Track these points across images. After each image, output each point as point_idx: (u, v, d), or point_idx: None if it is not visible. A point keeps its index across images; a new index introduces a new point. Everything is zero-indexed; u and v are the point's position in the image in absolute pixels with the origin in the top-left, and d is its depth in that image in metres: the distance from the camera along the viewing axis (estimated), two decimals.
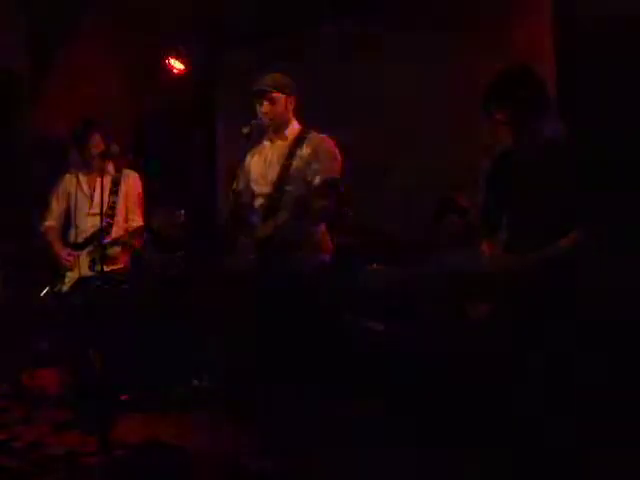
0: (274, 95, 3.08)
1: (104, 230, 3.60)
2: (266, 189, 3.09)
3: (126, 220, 3.89)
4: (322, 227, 3.17)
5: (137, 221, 3.90)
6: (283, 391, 3.01)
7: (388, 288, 3.15)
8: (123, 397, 4.16)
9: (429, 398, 3.22)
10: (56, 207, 4.03)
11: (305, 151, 3.03)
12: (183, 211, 3.52)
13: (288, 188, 3.01)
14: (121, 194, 3.89)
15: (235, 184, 3.16)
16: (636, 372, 2.68)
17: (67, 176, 4.11)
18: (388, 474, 2.87)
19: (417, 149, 4.55)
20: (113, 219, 3.82)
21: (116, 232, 3.83)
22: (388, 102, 4.79)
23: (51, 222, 4.02)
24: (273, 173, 3.09)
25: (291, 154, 3.04)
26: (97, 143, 3.82)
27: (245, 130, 2.99)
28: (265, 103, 3.07)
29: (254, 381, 3.13)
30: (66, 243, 3.91)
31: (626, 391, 2.58)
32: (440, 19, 4.69)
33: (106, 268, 3.65)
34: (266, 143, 3.22)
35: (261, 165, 3.17)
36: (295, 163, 3.02)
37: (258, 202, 3.12)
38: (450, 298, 3.19)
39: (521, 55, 4.05)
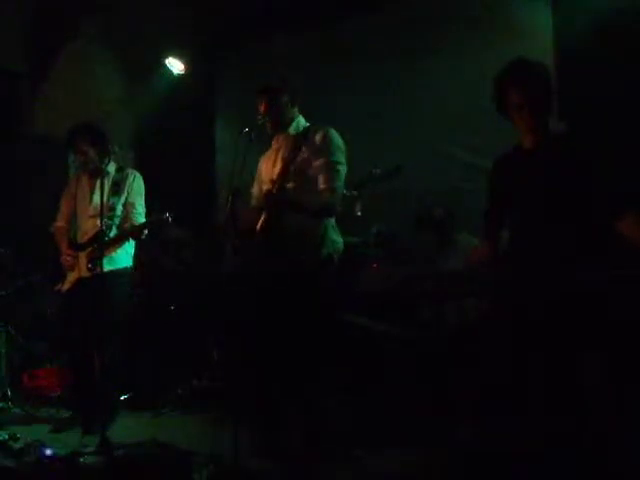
0: (275, 94, 3.07)
1: (103, 232, 3.59)
2: (269, 186, 3.09)
3: (127, 220, 3.87)
4: (328, 222, 3.08)
5: (141, 218, 3.88)
6: (283, 391, 3.01)
7: (388, 288, 3.15)
8: (123, 397, 4.17)
9: (428, 398, 3.22)
10: (64, 208, 4.03)
11: (309, 145, 2.99)
12: (170, 214, 3.54)
13: (289, 185, 3.00)
14: (122, 195, 3.87)
15: (236, 186, 3.15)
16: None
17: (74, 177, 4.12)
18: (387, 473, 2.88)
19: (418, 150, 4.54)
20: (113, 220, 3.81)
21: (115, 233, 3.81)
22: (388, 103, 4.79)
23: (60, 223, 4.02)
24: (277, 170, 3.09)
25: (295, 149, 3.00)
26: (84, 148, 3.78)
27: (245, 130, 2.98)
28: (266, 102, 3.07)
29: (255, 381, 3.13)
30: (71, 244, 3.91)
31: None
32: (437, 17, 4.70)
33: (105, 269, 3.65)
34: (273, 144, 3.21)
35: (269, 166, 3.17)
36: (298, 158, 2.98)
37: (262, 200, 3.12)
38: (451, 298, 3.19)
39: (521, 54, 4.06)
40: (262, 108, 3.08)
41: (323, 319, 3.02)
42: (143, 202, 3.94)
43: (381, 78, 4.85)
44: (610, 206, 2.24)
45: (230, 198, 3.00)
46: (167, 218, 3.55)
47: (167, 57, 5.51)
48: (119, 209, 3.85)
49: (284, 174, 3.00)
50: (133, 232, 3.73)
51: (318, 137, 3.00)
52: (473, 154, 4.27)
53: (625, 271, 2.07)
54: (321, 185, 2.95)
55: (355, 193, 3.24)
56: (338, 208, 3.02)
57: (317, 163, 2.96)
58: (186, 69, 5.56)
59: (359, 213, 3.37)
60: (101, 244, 3.51)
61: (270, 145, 3.25)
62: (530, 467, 2.22)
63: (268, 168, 3.17)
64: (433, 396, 3.23)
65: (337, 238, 3.07)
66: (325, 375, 3.07)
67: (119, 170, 3.94)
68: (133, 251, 3.96)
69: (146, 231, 3.73)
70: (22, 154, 5.47)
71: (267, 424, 3.09)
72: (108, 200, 3.79)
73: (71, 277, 3.81)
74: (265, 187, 3.14)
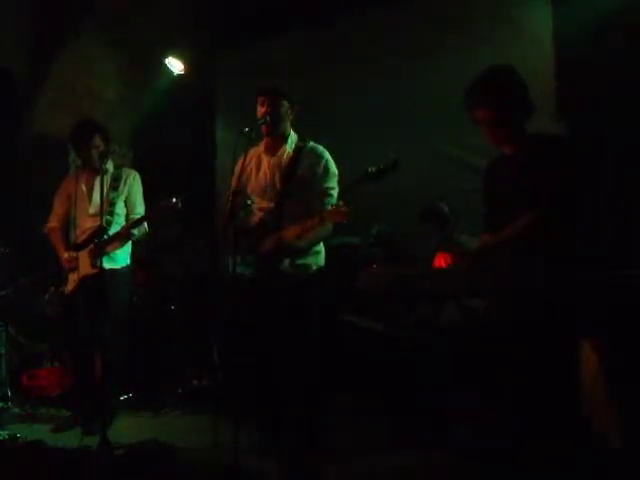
0: (277, 99, 3.08)
1: (104, 228, 3.58)
2: (267, 204, 3.11)
3: (127, 218, 3.88)
4: None
5: (139, 215, 3.88)
6: (283, 391, 3.01)
7: (387, 288, 3.15)
8: (123, 397, 4.17)
9: (429, 397, 3.22)
10: (58, 208, 4.00)
11: (304, 170, 3.06)
12: (179, 199, 3.53)
13: (286, 202, 3.04)
14: (121, 191, 3.87)
15: (236, 185, 3.15)
16: None
17: (68, 177, 4.11)
18: (387, 473, 2.88)
19: (418, 150, 4.54)
20: (113, 216, 3.81)
21: (116, 230, 3.79)
22: (388, 102, 4.79)
23: (54, 223, 4.00)
24: (273, 190, 3.11)
25: (290, 172, 3.08)
26: (96, 144, 3.80)
27: (246, 130, 2.98)
28: (267, 104, 3.07)
29: (255, 381, 3.13)
30: (69, 244, 3.90)
31: None
32: (437, 17, 4.70)
33: (107, 267, 3.64)
34: (264, 154, 3.20)
35: (261, 178, 3.17)
36: (295, 178, 3.06)
37: (258, 215, 3.13)
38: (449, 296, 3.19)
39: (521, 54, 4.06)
40: (262, 110, 3.08)
41: (323, 321, 3.04)
42: (143, 202, 3.95)
43: (381, 78, 4.84)
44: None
45: (230, 198, 3.01)
46: (177, 203, 3.54)
47: (167, 57, 5.51)
48: (119, 205, 3.85)
49: (282, 192, 3.07)
50: (134, 225, 3.73)
51: (315, 163, 3.07)
52: (473, 154, 4.27)
53: (625, 271, 2.08)
54: (317, 209, 2.97)
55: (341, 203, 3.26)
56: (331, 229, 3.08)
57: (314, 188, 3.03)
58: (186, 69, 5.55)
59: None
60: (101, 240, 3.52)
61: (257, 147, 3.24)
62: (530, 467, 2.23)
63: (261, 179, 3.16)
64: (433, 396, 3.22)
65: (321, 247, 3.17)
66: (325, 375, 3.07)
67: (117, 168, 3.95)
68: (131, 250, 3.97)
69: (146, 225, 3.74)
70: (22, 154, 5.47)
71: (267, 424, 3.09)
72: (108, 196, 3.79)
73: (74, 277, 3.81)
74: (258, 199, 3.14)
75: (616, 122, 3.76)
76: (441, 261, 3.21)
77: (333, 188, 3.06)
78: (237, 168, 3.12)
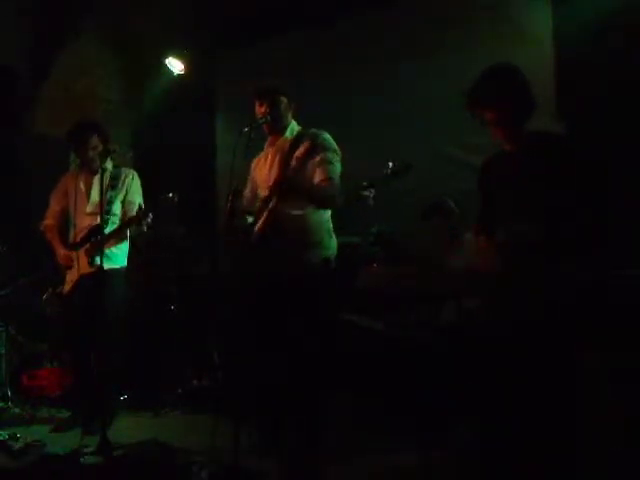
0: (276, 97, 3.08)
1: (102, 227, 3.58)
2: (266, 191, 3.10)
3: (123, 217, 3.87)
4: (326, 225, 3.13)
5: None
6: (283, 391, 3.01)
7: (388, 288, 3.16)
8: (123, 397, 4.17)
9: (429, 397, 3.22)
10: (55, 205, 4.00)
11: (301, 150, 3.02)
12: (174, 194, 3.54)
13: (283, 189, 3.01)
14: (119, 191, 3.87)
15: (236, 185, 3.14)
16: None
17: (67, 175, 4.11)
18: (388, 473, 2.88)
19: (418, 150, 4.54)
20: (110, 215, 3.79)
21: (112, 229, 3.78)
22: (388, 102, 4.79)
23: (49, 220, 3.99)
24: (273, 175, 3.09)
25: (288, 156, 3.05)
26: (94, 144, 3.81)
27: (245, 130, 2.98)
28: (266, 104, 3.07)
29: (254, 381, 3.13)
30: (66, 243, 3.90)
31: None
32: (437, 17, 4.70)
33: (105, 266, 3.64)
34: (268, 149, 3.22)
35: (264, 171, 3.18)
36: (294, 162, 3.02)
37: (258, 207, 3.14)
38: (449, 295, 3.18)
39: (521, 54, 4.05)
40: (262, 109, 3.09)
41: (323, 320, 3.03)
42: (142, 201, 3.94)
43: (381, 78, 4.84)
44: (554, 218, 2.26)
45: (230, 197, 3.00)
46: (173, 198, 3.54)
47: (167, 57, 5.51)
48: (116, 204, 3.85)
49: (281, 179, 3.02)
50: (133, 219, 3.71)
51: (312, 140, 3.02)
52: (473, 154, 4.27)
53: (625, 271, 2.08)
54: (318, 178, 2.96)
55: (372, 191, 3.20)
56: (338, 200, 2.99)
57: (312, 161, 2.98)
58: (186, 69, 5.55)
59: (372, 202, 3.33)
60: (100, 238, 3.51)
61: (262, 148, 3.25)
62: (530, 467, 2.23)
63: (263, 173, 3.17)
64: (433, 396, 3.22)
65: (334, 242, 3.12)
66: (325, 375, 3.07)
67: (116, 167, 3.95)
68: (129, 250, 3.96)
69: (150, 218, 3.72)
70: (22, 154, 5.47)
71: (267, 424, 3.09)
72: (106, 195, 3.78)
73: (71, 277, 3.81)
74: (261, 192, 3.15)
75: (616, 122, 3.76)
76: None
77: (334, 159, 2.99)
78: (236, 168, 3.11)
